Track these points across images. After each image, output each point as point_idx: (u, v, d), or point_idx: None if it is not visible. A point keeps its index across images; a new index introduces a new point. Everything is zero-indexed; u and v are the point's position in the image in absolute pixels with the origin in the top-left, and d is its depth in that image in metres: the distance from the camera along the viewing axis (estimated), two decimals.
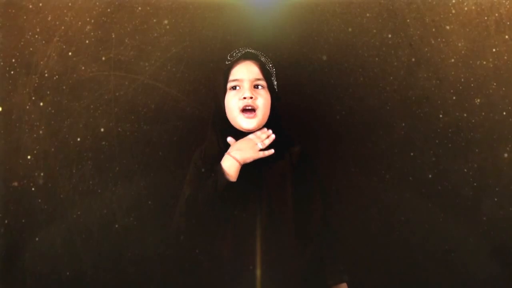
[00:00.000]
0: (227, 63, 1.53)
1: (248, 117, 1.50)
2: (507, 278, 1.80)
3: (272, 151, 1.50)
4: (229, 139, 1.52)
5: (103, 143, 1.81)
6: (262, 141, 1.51)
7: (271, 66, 1.55)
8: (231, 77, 1.52)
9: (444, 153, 1.83)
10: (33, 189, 1.77)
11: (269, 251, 1.48)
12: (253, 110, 1.50)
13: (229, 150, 1.50)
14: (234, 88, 1.52)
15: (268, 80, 1.53)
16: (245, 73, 1.51)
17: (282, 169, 1.53)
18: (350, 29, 1.85)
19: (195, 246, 1.55)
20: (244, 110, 1.50)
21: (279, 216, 1.50)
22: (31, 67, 1.77)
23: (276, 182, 1.51)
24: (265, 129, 1.54)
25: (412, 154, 1.85)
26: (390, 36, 1.83)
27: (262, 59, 1.53)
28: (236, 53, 1.53)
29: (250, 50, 1.53)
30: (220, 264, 1.49)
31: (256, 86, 1.52)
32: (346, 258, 1.57)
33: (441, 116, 1.83)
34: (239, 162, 1.47)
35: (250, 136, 1.52)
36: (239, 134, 1.54)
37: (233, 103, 1.51)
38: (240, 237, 1.48)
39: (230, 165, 1.47)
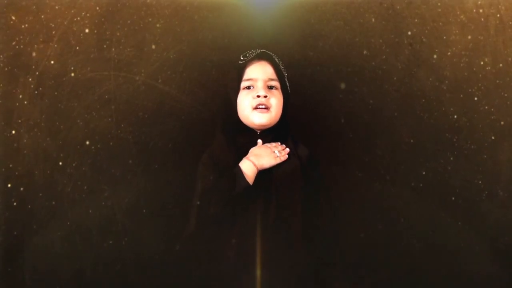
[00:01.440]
0: (240, 62, 1.54)
1: (261, 112, 1.51)
2: (507, 278, 1.80)
3: (286, 156, 1.53)
4: (259, 141, 1.54)
5: (103, 143, 1.81)
6: (279, 151, 1.52)
7: (283, 67, 1.56)
8: (245, 77, 1.53)
9: (445, 153, 1.83)
10: (32, 189, 1.77)
11: (276, 252, 1.49)
12: (266, 108, 1.51)
13: (248, 155, 1.51)
14: (247, 88, 1.53)
15: (281, 81, 1.54)
16: (259, 72, 1.52)
17: (291, 171, 1.53)
18: (350, 29, 1.85)
19: (201, 246, 1.56)
20: (257, 108, 1.51)
21: (287, 217, 1.51)
22: (31, 67, 1.77)
23: (285, 184, 1.52)
24: (279, 143, 1.55)
25: (412, 153, 1.85)
26: (390, 36, 1.83)
27: (276, 59, 1.55)
28: (250, 54, 1.54)
29: (264, 51, 1.55)
30: (225, 265, 1.50)
31: (270, 87, 1.53)
32: (351, 261, 1.58)
33: (441, 115, 1.83)
34: (257, 168, 1.49)
35: (267, 144, 1.54)
36: (251, 134, 1.55)
37: (246, 102, 1.52)
38: (247, 238, 1.48)
39: (249, 168, 1.48)
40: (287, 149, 1.55)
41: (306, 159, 1.58)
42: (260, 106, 1.51)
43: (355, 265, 1.79)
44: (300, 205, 1.53)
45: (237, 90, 1.54)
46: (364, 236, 1.86)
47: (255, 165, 1.49)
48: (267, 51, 1.56)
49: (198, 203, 1.51)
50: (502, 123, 1.80)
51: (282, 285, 1.50)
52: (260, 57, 1.54)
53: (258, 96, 1.51)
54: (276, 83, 1.54)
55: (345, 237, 1.62)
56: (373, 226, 1.87)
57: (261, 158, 1.50)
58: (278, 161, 1.51)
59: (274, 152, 1.52)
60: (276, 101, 1.53)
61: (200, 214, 1.50)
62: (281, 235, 1.51)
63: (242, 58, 1.55)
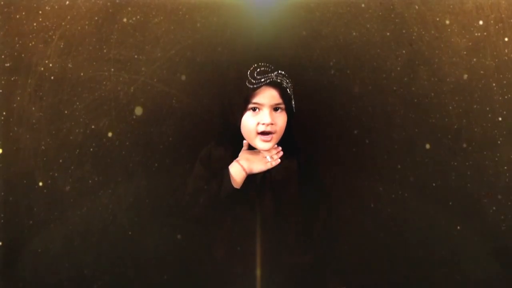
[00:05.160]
0: (249, 86, 1.50)
1: (265, 140, 1.52)
2: (507, 278, 1.80)
3: (278, 161, 1.54)
4: (245, 142, 1.54)
5: (103, 143, 1.81)
6: (272, 155, 1.53)
7: (291, 85, 1.55)
8: (252, 100, 1.51)
9: (444, 153, 1.83)
10: (33, 189, 1.77)
11: (272, 253, 1.49)
12: (270, 133, 1.52)
13: (238, 158, 1.51)
14: (253, 109, 1.52)
15: (287, 103, 1.54)
16: (266, 98, 1.51)
17: (288, 171, 1.54)
18: (350, 29, 1.85)
19: (195, 246, 1.56)
20: (262, 133, 1.52)
21: (285, 218, 1.51)
22: (31, 67, 1.77)
23: (281, 185, 1.53)
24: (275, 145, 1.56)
25: (412, 154, 1.85)
26: (390, 36, 1.83)
27: (284, 84, 1.52)
28: (259, 78, 1.50)
29: (274, 78, 1.51)
30: (223, 265, 1.50)
31: (275, 109, 1.53)
32: (348, 261, 1.58)
33: (440, 115, 1.83)
34: (246, 172, 1.49)
35: (261, 150, 1.54)
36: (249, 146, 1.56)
37: (251, 125, 1.52)
38: (245, 239, 1.49)
39: (238, 172, 1.49)
40: (281, 153, 1.55)
41: (304, 160, 1.58)
42: (265, 133, 1.52)
43: (354, 265, 1.79)
44: (298, 206, 1.54)
45: (242, 110, 1.53)
46: (363, 236, 1.85)
47: (244, 169, 1.50)
48: (276, 79, 1.52)
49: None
50: (502, 123, 1.80)
51: (280, 285, 1.50)
52: (269, 84, 1.52)
53: (264, 124, 1.51)
54: (281, 106, 1.54)
55: (344, 238, 1.62)
56: (373, 226, 1.87)
57: (251, 162, 1.51)
58: (268, 166, 1.52)
59: (265, 157, 1.52)
60: (280, 124, 1.54)
61: (188, 212, 1.52)
62: (279, 235, 1.51)
63: (251, 80, 1.50)
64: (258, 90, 1.50)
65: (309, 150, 1.62)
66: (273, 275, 1.50)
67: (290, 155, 1.57)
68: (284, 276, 1.52)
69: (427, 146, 1.84)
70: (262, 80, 1.49)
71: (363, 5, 1.84)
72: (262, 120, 1.50)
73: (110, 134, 1.81)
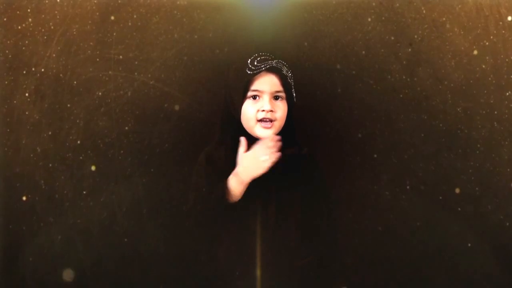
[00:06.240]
0: (248, 72, 1.49)
1: (265, 127, 1.51)
2: (507, 278, 1.80)
3: (279, 153, 1.46)
4: (242, 138, 1.51)
5: (103, 143, 1.81)
6: (269, 148, 1.46)
7: (291, 75, 1.55)
8: (252, 87, 1.50)
9: (444, 153, 1.83)
10: (32, 189, 1.77)
11: (274, 254, 1.49)
12: (270, 121, 1.51)
13: (236, 168, 1.48)
14: (253, 97, 1.52)
15: (287, 91, 1.53)
16: (266, 85, 1.50)
17: (290, 172, 1.53)
18: (350, 30, 1.85)
19: (197, 246, 1.56)
20: (262, 120, 1.51)
21: (285, 220, 1.51)
22: (31, 67, 1.77)
23: (284, 187, 1.52)
24: (273, 136, 1.49)
25: (412, 154, 1.85)
26: (390, 36, 1.83)
27: (284, 71, 1.52)
28: (259, 65, 1.50)
29: (274, 65, 1.50)
30: (225, 265, 1.50)
31: (275, 98, 1.52)
32: (349, 262, 1.58)
33: (441, 116, 1.83)
34: (245, 182, 1.47)
35: (256, 147, 1.48)
36: (251, 138, 1.53)
37: (251, 113, 1.51)
38: (247, 239, 1.49)
39: (236, 185, 1.47)
40: (279, 143, 1.47)
41: (306, 160, 1.58)
42: (265, 120, 1.51)
43: (354, 265, 1.79)
44: (299, 207, 1.54)
45: (242, 98, 1.52)
46: (363, 237, 1.85)
47: (243, 181, 1.47)
48: (275, 65, 1.51)
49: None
50: (502, 123, 1.79)
51: (281, 286, 1.50)
52: (269, 70, 1.50)
53: (264, 110, 1.50)
54: (282, 94, 1.53)
55: (345, 238, 1.62)
56: (373, 227, 1.87)
57: (249, 170, 1.46)
58: (267, 165, 1.45)
59: (261, 158, 1.46)
60: (281, 113, 1.52)
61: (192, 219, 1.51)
62: (280, 238, 1.51)
63: (250, 67, 1.50)
64: (257, 76, 1.49)
65: (308, 150, 1.62)
66: (274, 277, 1.50)
67: (290, 146, 1.56)
68: (285, 278, 1.52)
69: (427, 146, 1.84)
70: (262, 66, 1.49)
71: (363, 5, 1.83)
72: (262, 107, 1.49)
73: (110, 134, 1.81)
